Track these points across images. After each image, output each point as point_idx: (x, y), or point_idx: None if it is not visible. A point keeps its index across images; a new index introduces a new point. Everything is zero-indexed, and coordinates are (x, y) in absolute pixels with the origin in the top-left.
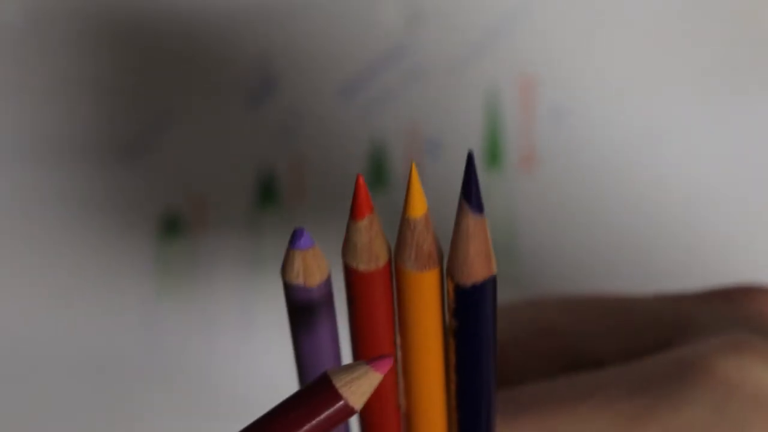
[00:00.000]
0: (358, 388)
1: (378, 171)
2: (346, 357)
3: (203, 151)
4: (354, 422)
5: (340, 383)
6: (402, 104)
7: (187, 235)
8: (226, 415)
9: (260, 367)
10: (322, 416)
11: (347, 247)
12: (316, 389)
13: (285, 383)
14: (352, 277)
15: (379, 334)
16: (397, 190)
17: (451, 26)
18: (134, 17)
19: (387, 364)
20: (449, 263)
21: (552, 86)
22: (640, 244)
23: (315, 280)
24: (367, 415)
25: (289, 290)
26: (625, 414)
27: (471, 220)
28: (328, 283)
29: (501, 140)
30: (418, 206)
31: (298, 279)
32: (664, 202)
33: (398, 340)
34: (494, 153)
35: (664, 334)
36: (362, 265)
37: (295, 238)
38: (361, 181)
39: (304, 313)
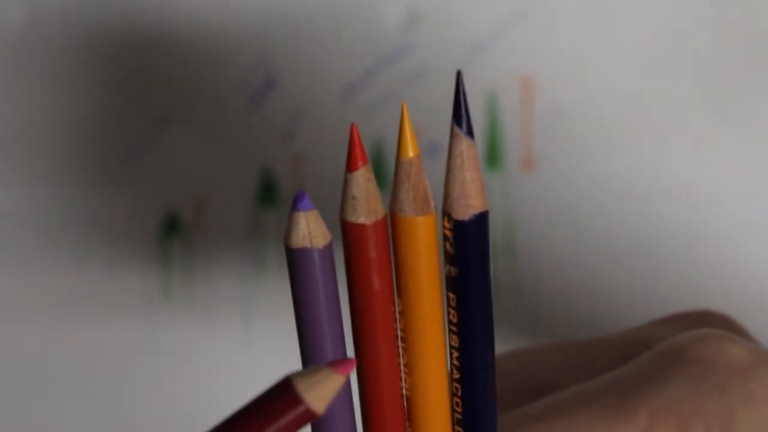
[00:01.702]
0: (319, 392)
1: (378, 171)
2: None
3: (203, 151)
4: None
5: (302, 387)
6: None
7: (187, 235)
8: (226, 413)
9: (260, 367)
10: (283, 420)
11: (345, 203)
12: (276, 393)
13: None
14: (351, 234)
15: (379, 296)
16: None
17: (451, 26)
18: (135, 18)
19: (350, 366)
20: (444, 201)
21: (552, 87)
22: (640, 243)
23: (320, 241)
24: (368, 400)
25: (294, 256)
26: (612, 405)
27: (465, 143)
28: (330, 249)
29: (501, 141)
30: (411, 147)
31: (304, 241)
32: (663, 202)
33: (398, 307)
34: (494, 153)
35: (622, 361)
36: (362, 218)
37: (297, 200)
38: (355, 130)
39: (308, 281)
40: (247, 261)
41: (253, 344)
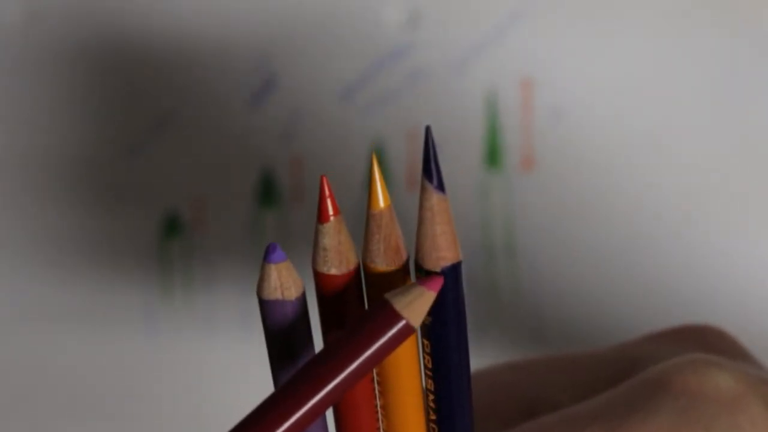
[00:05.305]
0: (415, 308)
1: None
2: None
3: (203, 151)
4: None
5: (400, 305)
6: (402, 105)
7: (187, 236)
8: (226, 415)
9: (260, 368)
10: (386, 337)
11: (316, 253)
12: (376, 313)
13: None
14: (323, 283)
15: None
16: (397, 191)
17: (451, 26)
18: (135, 18)
19: (439, 282)
20: (416, 252)
21: (551, 87)
22: (639, 244)
23: (292, 293)
24: None
25: (267, 308)
26: None
27: (435, 198)
28: (303, 299)
29: (501, 141)
30: (382, 198)
31: (276, 293)
32: (663, 202)
33: None
34: (494, 153)
35: (614, 378)
36: (333, 269)
37: (269, 252)
38: (325, 182)
39: (282, 331)
40: (247, 261)
41: (253, 344)
